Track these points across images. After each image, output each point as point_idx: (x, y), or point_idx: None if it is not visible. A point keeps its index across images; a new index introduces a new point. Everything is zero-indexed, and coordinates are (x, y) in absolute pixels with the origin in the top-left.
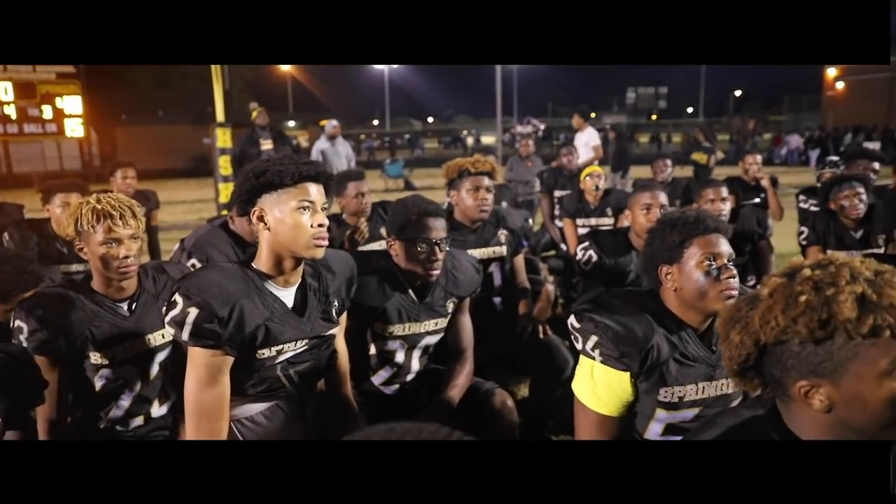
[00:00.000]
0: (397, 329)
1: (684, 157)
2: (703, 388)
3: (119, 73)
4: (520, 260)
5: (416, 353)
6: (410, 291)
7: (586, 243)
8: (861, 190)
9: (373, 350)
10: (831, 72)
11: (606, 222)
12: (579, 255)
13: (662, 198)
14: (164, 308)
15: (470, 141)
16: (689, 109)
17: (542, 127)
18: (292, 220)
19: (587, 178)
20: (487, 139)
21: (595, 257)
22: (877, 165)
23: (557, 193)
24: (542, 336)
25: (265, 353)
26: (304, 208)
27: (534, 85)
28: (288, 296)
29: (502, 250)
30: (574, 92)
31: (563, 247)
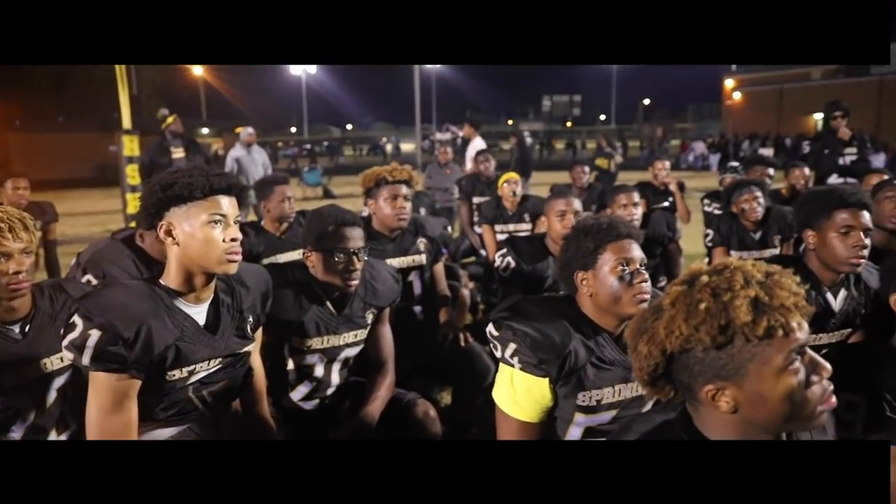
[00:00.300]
0: (316, 342)
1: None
2: (620, 390)
3: (11, 76)
4: (439, 268)
5: (336, 367)
6: (328, 303)
7: (504, 250)
8: (759, 194)
9: (290, 365)
10: (729, 83)
11: (524, 228)
12: (497, 262)
13: (577, 204)
14: (62, 330)
15: (389, 148)
16: (602, 117)
17: (461, 134)
18: (203, 234)
19: (504, 184)
20: (407, 146)
21: (513, 263)
22: (771, 171)
23: (476, 200)
24: (462, 344)
25: (176, 374)
26: (215, 222)
27: (452, 92)
28: (199, 313)
29: (422, 259)
30: (492, 99)
31: (483, 253)
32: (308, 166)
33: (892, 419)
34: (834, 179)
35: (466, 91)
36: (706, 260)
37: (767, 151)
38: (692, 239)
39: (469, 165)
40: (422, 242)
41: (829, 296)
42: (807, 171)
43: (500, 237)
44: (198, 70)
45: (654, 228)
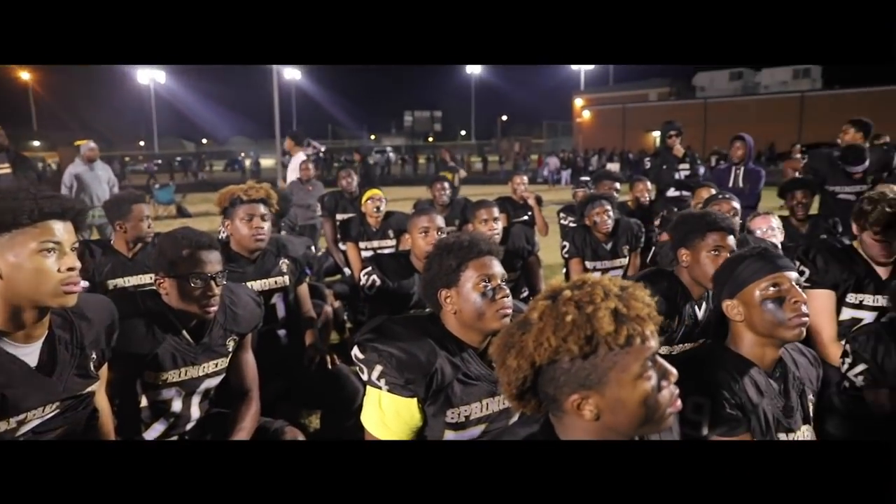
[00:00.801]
0: (172, 375)
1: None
2: (487, 404)
3: None
4: (304, 289)
5: (196, 399)
6: (185, 332)
7: (369, 268)
8: (608, 207)
9: (144, 402)
10: (579, 102)
11: (388, 244)
12: (363, 280)
13: (439, 220)
14: None
15: (248, 163)
16: (463, 132)
17: (323, 149)
18: (33, 265)
19: (368, 201)
20: (267, 162)
21: (378, 281)
22: (618, 185)
23: (340, 217)
24: (330, 366)
25: (2, 426)
26: (47, 250)
27: (313, 106)
28: (31, 353)
29: (285, 280)
30: (354, 114)
31: (348, 271)
32: (159, 183)
33: (731, 415)
34: (672, 192)
35: (328, 105)
36: (563, 270)
37: (614, 166)
38: (551, 250)
39: (290, 177)
40: (284, 263)
41: (696, 308)
42: (649, 185)
43: (365, 254)
44: (25, 75)
45: (513, 242)
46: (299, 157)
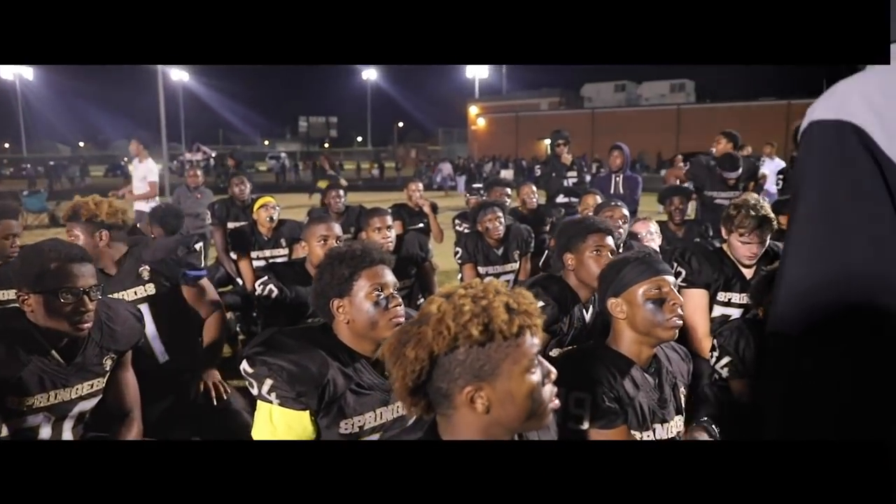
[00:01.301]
0: (39, 400)
1: (314, 186)
2: (381, 413)
3: None
4: (192, 291)
5: (68, 425)
6: (54, 352)
7: (265, 277)
8: (500, 214)
9: (4, 431)
10: (473, 110)
11: (281, 254)
12: (259, 290)
13: (337, 229)
14: None
15: (131, 169)
16: (359, 139)
17: (214, 154)
18: None
19: (261, 209)
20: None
21: (276, 291)
22: (509, 191)
23: (231, 225)
24: (216, 402)
25: None
26: None
27: (203, 110)
28: None
29: (147, 289)
30: (247, 119)
31: (240, 281)
32: (28, 189)
33: (610, 408)
34: (561, 199)
35: (219, 109)
36: (459, 276)
37: (508, 173)
38: (447, 257)
39: (139, 190)
40: (145, 271)
41: (584, 311)
42: (534, 187)
43: (257, 264)
44: None
45: (407, 249)
46: (148, 165)
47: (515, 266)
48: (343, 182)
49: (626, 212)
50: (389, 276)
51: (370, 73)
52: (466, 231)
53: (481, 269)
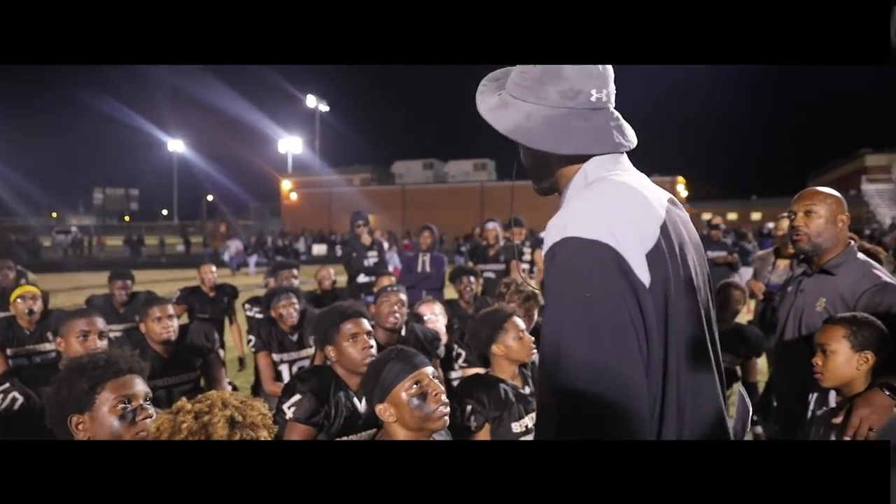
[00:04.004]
0: None
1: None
2: None
3: None
4: None
5: None
6: None
7: (7, 384)
8: (294, 300)
9: None
10: (286, 184)
11: (47, 349)
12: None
13: (100, 323)
14: None
15: None
16: (165, 212)
17: None
18: None
19: (18, 300)
20: None
21: (20, 399)
22: (296, 272)
23: None
24: None
25: None
26: None
27: None
28: None
29: None
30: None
31: None
32: None
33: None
34: (362, 279)
35: None
36: (254, 364)
37: (320, 248)
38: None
39: None
40: None
41: (356, 400)
42: (332, 270)
43: (18, 362)
44: None
45: (192, 339)
46: None
47: (311, 351)
48: (129, 272)
49: (403, 297)
50: (139, 387)
51: (177, 145)
52: (259, 316)
53: (276, 357)
